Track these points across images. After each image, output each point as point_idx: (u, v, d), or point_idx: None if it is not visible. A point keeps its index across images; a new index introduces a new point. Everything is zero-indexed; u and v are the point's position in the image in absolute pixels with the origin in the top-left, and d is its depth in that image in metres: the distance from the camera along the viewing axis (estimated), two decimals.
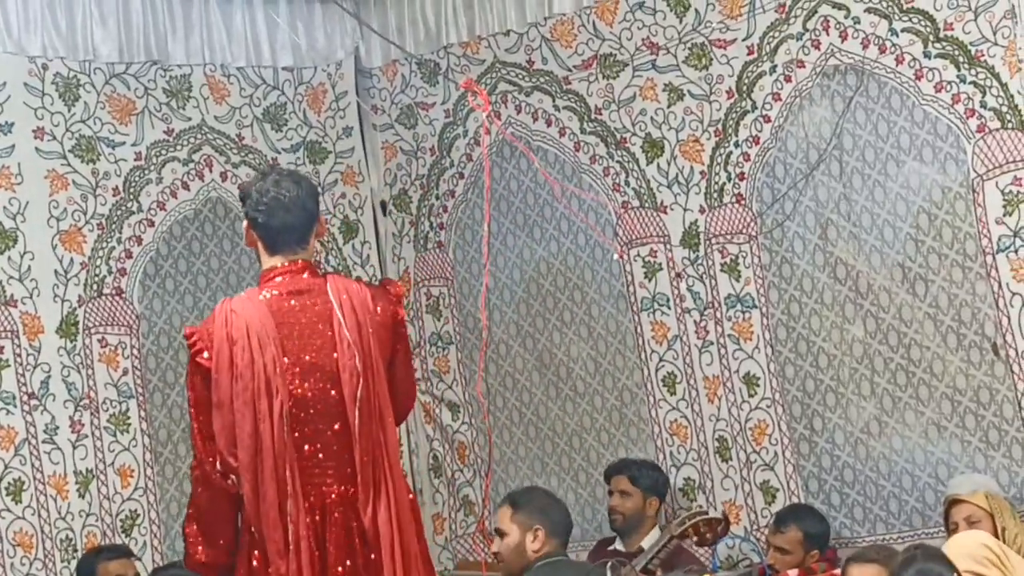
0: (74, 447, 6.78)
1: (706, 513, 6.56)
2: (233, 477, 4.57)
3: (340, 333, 4.62)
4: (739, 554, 6.59)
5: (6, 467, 6.58)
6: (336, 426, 4.61)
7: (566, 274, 7.34)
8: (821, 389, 6.61)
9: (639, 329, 7.07)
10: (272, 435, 4.51)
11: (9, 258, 6.71)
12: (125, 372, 6.98)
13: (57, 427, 6.75)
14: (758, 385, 6.76)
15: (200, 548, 4.71)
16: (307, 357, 4.62)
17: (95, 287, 6.95)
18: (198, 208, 7.34)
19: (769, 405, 6.73)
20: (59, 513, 6.70)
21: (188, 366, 4.73)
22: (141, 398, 7.00)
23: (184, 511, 6.89)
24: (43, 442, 6.70)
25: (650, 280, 7.03)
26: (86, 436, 6.82)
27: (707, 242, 6.86)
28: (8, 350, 6.66)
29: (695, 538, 6.45)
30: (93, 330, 6.92)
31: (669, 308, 6.99)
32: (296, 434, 4.56)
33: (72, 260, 6.89)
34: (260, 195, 4.68)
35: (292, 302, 4.66)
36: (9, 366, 6.66)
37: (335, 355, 4.62)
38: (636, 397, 7.14)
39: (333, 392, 4.61)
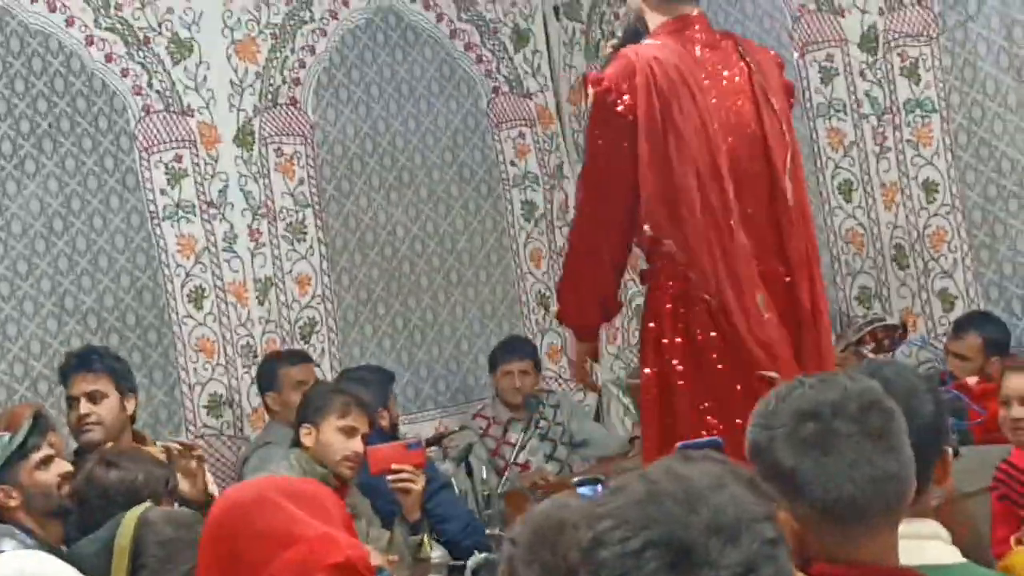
0: (252, 255, 6.88)
1: (883, 319, 6.49)
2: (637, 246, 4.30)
3: (764, 95, 4.29)
4: (917, 360, 6.51)
5: (187, 275, 6.71)
6: (763, 193, 4.30)
7: None
8: (1003, 195, 6.45)
9: (815, 135, 6.93)
10: (718, 194, 4.18)
11: (185, 68, 6.76)
12: (301, 181, 7.03)
13: (236, 236, 6.84)
14: (937, 191, 6.62)
15: (568, 308, 4.58)
16: (732, 116, 4.27)
17: (270, 97, 6.99)
18: (370, 17, 7.31)
19: (948, 212, 6.59)
20: (239, 320, 6.83)
21: (592, 113, 4.28)
22: (317, 207, 7.05)
23: (359, 318, 7.05)
24: (223, 250, 6.81)
25: (826, 85, 6.87)
26: (264, 245, 6.91)
27: (886, 44, 6.67)
28: (187, 159, 6.74)
29: (872, 345, 6.38)
30: (268, 140, 6.97)
31: (846, 114, 6.84)
32: (732, 195, 4.22)
33: (247, 70, 6.92)
34: None
35: (709, 53, 4.30)
36: (188, 175, 6.74)
37: (753, 120, 4.28)
38: (812, 204, 7.00)
39: (760, 156, 4.28)
